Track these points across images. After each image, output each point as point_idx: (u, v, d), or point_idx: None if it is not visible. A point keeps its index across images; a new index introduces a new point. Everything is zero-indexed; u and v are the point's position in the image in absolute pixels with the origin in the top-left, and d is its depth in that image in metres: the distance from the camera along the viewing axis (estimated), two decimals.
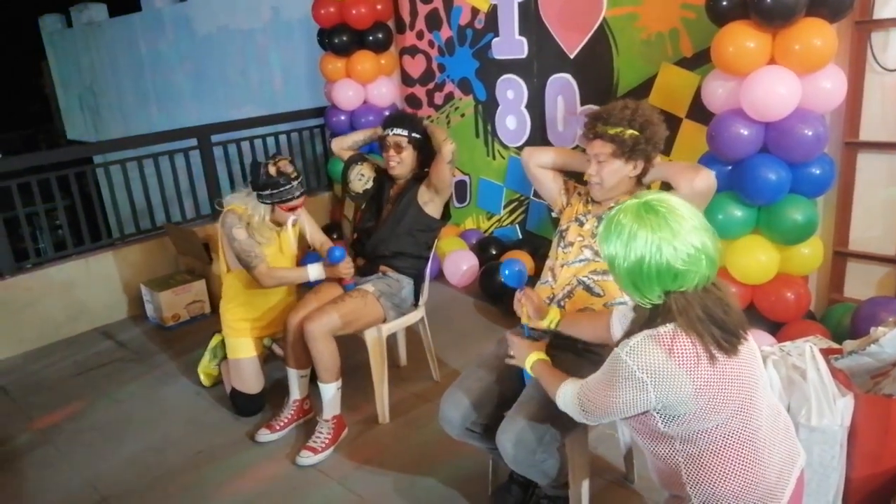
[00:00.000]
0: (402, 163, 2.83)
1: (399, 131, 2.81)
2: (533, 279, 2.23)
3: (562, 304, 2.06)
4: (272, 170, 2.67)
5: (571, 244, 2.11)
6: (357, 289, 2.76)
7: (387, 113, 3.09)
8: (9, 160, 5.00)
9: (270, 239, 2.77)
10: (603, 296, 2.02)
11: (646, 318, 1.37)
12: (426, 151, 2.87)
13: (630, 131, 1.96)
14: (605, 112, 2.01)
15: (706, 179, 1.99)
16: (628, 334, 1.39)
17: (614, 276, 1.38)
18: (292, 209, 2.76)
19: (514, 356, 1.89)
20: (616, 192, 2.06)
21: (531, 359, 1.79)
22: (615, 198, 2.07)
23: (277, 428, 2.75)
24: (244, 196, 2.75)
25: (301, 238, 2.96)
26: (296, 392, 2.79)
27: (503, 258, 2.70)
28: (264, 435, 2.73)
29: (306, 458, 2.58)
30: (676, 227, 1.28)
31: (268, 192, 2.68)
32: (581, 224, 2.13)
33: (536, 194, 4.21)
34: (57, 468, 2.69)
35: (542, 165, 2.26)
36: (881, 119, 2.83)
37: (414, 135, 2.82)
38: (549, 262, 2.18)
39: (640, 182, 2.08)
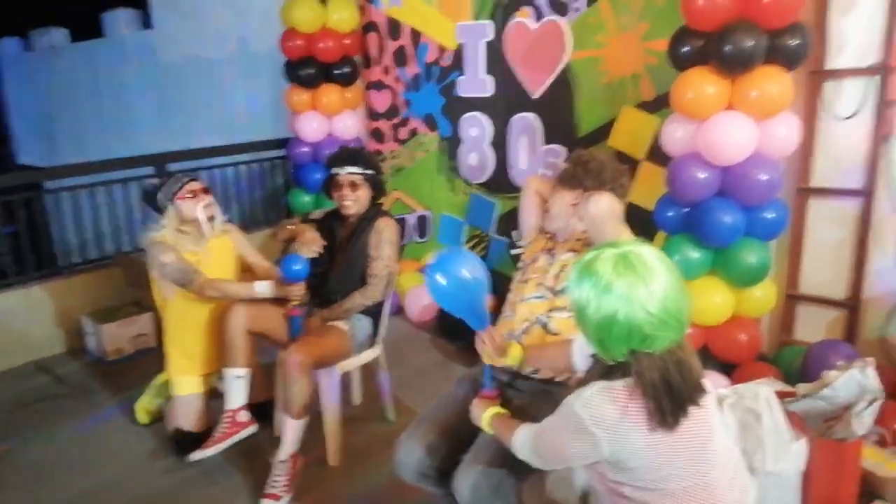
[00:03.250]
0: (357, 201, 2.76)
1: (353, 169, 2.74)
2: (493, 316, 2.19)
3: (520, 339, 2.03)
4: (154, 181, 2.73)
5: (528, 280, 2.11)
6: (333, 325, 2.67)
7: (327, 154, 2.96)
8: None
9: (197, 247, 2.69)
10: (558, 334, 2.00)
11: (603, 369, 1.33)
12: (379, 187, 2.83)
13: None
14: (595, 172, 2.07)
15: (597, 202, 1.94)
16: (583, 383, 1.35)
17: (580, 324, 1.32)
18: (192, 195, 2.69)
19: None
20: (561, 223, 2.10)
21: (487, 415, 1.75)
22: (568, 235, 2.10)
23: (210, 445, 2.54)
24: (155, 224, 2.74)
25: (238, 259, 2.88)
26: (230, 400, 2.59)
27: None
28: (197, 454, 2.54)
29: None
30: (653, 286, 1.23)
31: (160, 195, 2.68)
32: (535, 261, 2.13)
33: (497, 231, 4.20)
34: None
35: (538, 191, 2.29)
36: (832, 166, 2.91)
37: (368, 171, 2.77)
38: (509, 297, 2.17)
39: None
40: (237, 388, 2.60)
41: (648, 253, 1.29)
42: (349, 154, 2.82)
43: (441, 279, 1.80)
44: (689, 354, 1.33)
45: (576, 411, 1.29)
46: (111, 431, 3.04)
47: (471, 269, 1.81)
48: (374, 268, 2.73)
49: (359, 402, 3.19)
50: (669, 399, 1.25)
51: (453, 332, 3.80)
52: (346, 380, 2.95)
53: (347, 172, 2.74)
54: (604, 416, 1.27)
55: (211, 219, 2.73)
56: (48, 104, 9.52)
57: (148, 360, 3.61)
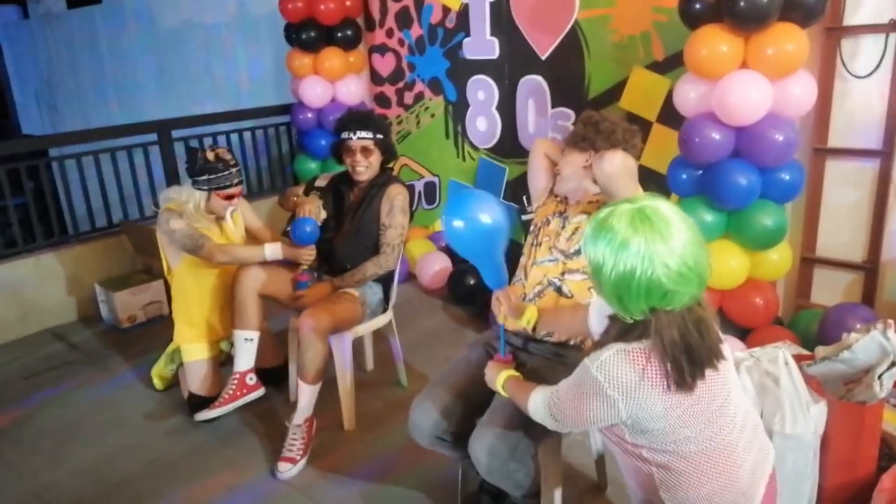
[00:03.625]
0: (370, 167, 2.72)
1: (364, 134, 2.68)
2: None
3: (533, 302, 2.03)
4: (210, 155, 2.60)
5: (540, 244, 2.10)
6: (345, 291, 2.66)
7: (338, 116, 2.93)
8: None
9: (210, 228, 2.67)
10: (571, 297, 1.99)
11: (620, 330, 1.31)
12: (390, 151, 2.79)
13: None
14: (607, 132, 2.02)
15: (611, 159, 1.91)
16: (600, 344, 1.34)
17: (597, 283, 1.30)
18: (230, 198, 2.66)
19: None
20: (573, 185, 2.07)
21: (501, 377, 1.73)
22: (580, 197, 2.08)
23: (217, 405, 2.57)
24: (179, 189, 2.67)
25: (246, 230, 2.86)
26: (239, 362, 2.61)
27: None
28: (203, 413, 2.58)
29: (286, 470, 2.44)
30: (671, 241, 1.20)
31: (205, 177, 2.59)
32: (547, 223, 2.11)
33: (506, 196, 4.17)
34: (1, 478, 2.54)
35: (547, 153, 2.25)
36: (849, 126, 2.85)
37: (379, 136, 2.72)
38: (522, 260, 2.16)
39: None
40: (246, 351, 2.62)
41: (665, 207, 1.26)
42: (359, 118, 2.75)
43: (458, 224, 1.73)
44: (708, 313, 1.31)
45: (592, 374, 1.28)
46: (127, 397, 3.08)
47: (491, 213, 1.73)
48: (387, 236, 2.71)
49: (371, 367, 3.21)
50: (687, 359, 1.24)
51: (464, 297, 3.80)
52: (358, 345, 2.96)
53: (359, 137, 2.68)
54: (621, 379, 1.25)
55: (233, 213, 2.74)
56: (48, 73, 9.41)
57: (160, 327, 3.63)
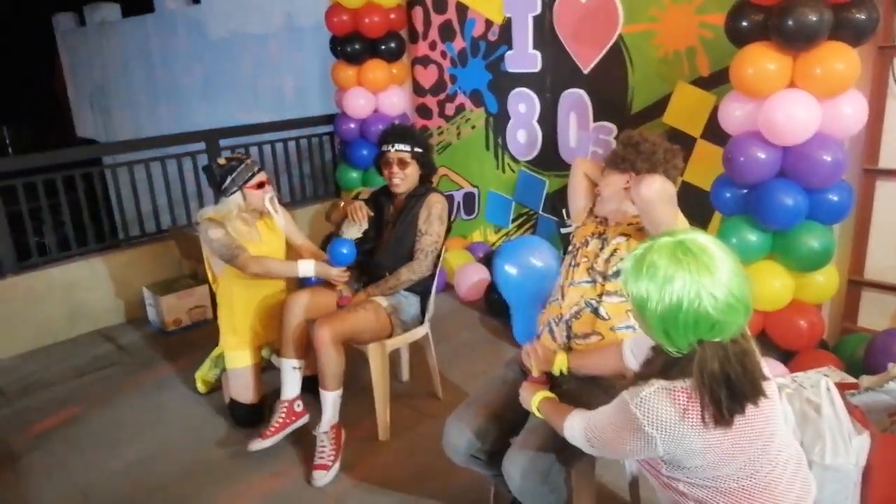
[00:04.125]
0: (405, 179, 2.77)
1: (401, 147, 2.74)
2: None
3: (569, 323, 2.02)
4: (222, 161, 2.72)
5: (578, 264, 2.09)
6: (370, 300, 2.70)
7: (381, 127, 2.99)
8: (18, 159, 4.97)
9: (251, 233, 2.74)
10: (608, 319, 1.98)
11: (663, 364, 1.29)
12: (429, 165, 2.83)
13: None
14: (647, 153, 2.01)
15: (649, 185, 1.88)
16: (641, 377, 1.32)
17: (641, 319, 1.29)
18: (260, 185, 2.73)
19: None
20: (613, 206, 2.07)
21: (536, 399, 1.75)
22: (620, 218, 2.07)
23: (268, 434, 2.64)
24: (214, 206, 2.76)
25: (286, 241, 2.92)
26: (287, 390, 2.67)
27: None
28: (256, 443, 2.64)
29: (321, 477, 2.50)
30: (717, 273, 1.20)
31: (229, 179, 2.68)
32: (586, 244, 2.10)
33: (545, 209, 4.16)
34: (50, 475, 2.65)
35: (587, 173, 2.28)
36: None
37: (417, 149, 2.76)
38: (559, 280, 2.16)
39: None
40: (293, 379, 2.68)
41: (704, 239, 1.25)
42: (398, 131, 2.82)
43: (511, 269, 1.78)
44: (752, 346, 1.30)
45: (631, 410, 1.27)
46: (171, 399, 3.17)
47: (544, 260, 1.78)
48: (422, 243, 2.74)
49: (406, 378, 3.24)
50: (727, 393, 1.22)
51: (501, 309, 3.80)
52: (394, 356, 2.99)
53: (396, 150, 2.74)
54: (660, 418, 1.24)
55: (271, 200, 2.80)
56: (103, 78, 9.76)
57: (205, 331, 3.74)
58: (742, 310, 1.22)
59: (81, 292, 3.94)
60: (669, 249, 1.23)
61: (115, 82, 9.48)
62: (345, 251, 2.64)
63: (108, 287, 4.05)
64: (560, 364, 1.88)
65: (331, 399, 2.59)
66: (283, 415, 2.66)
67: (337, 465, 2.55)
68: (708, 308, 1.19)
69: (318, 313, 2.67)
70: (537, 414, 1.75)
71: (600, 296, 2.00)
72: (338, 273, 2.68)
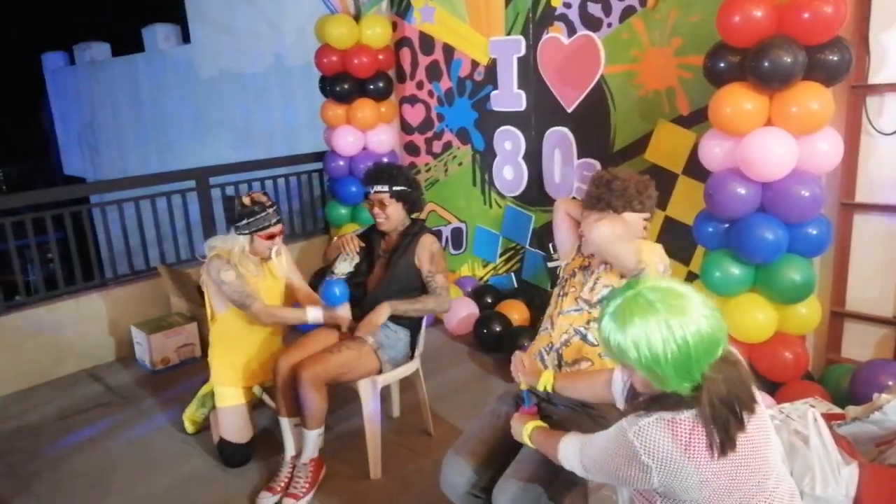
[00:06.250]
0: (388, 219, 2.82)
1: (380, 188, 2.79)
2: (529, 331, 2.22)
3: (559, 351, 2.08)
4: (246, 200, 2.71)
5: (566, 294, 2.16)
6: (355, 339, 2.72)
7: (367, 164, 3.07)
8: (6, 198, 4.96)
9: (257, 271, 2.76)
10: (597, 345, 2.03)
11: (662, 394, 1.30)
12: (412, 200, 2.87)
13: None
14: (620, 190, 2.11)
15: (597, 231, 1.95)
16: (639, 407, 1.33)
17: (652, 376, 1.26)
18: (271, 237, 2.74)
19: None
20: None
21: (527, 429, 1.76)
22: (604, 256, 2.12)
23: (278, 490, 2.61)
24: (223, 237, 2.77)
25: (286, 281, 2.93)
26: (291, 447, 2.68)
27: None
28: (266, 498, 2.59)
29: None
30: (687, 299, 1.24)
31: (244, 221, 2.68)
32: (573, 275, 2.19)
33: (532, 243, 4.22)
34: None
35: (569, 213, 2.36)
36: (876, 181, 2.87)
37: (395, 188, 2.80)
38: (548, 311, 2.22)
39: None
40: (297, 435, 2.66)
41: (660, 282, 1.29)
42: (376, 173, 2.86)
43: None
44: (739, 360, 1.33)
45: (630, 439, 1.28)
46: (160, 440, 3.13)
47: None
48: (436, 281, 2.79)
49: (397, 414, 3.23)
50: (732, 410, 1.24)
51: (492, 344, 3.83)
52: (384, 393, 2.99)
53: (375, 191, 2.80)
54: (659, 449, 1.25)
55: (277, 252, 2.83)
56: (91, 116, 9.81)
57: (193, 369, 3.73)
58: (720, 318, 1.26)
59: (69, 331, 3.90)
60: (634, 305, 1.25)
61: (103, 120, 9.54)
62: (337, 292, 2.68)
63: (96, 326, 4.02)
64: (546, 380, 1.90)
65: (311, 437, 2.61)
66: (290, 469, 2.65)
67: (308, 498, 2.56)
68: (708, 329, 1.22)
69: (318, 360, 2.65)
70: (529, 444, 1.76)
71: (588, 322, 2.06)
72: (343, 315, 2.71)
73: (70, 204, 4.32)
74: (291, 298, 2.96)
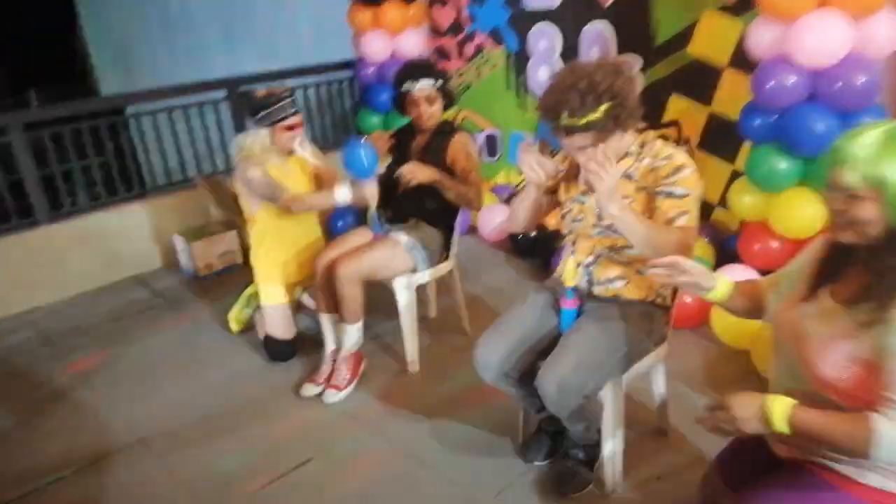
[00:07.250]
0: (434, 115, 2.77)
1: (426, 83, 2.72)
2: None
3: (590, 269, 1.99)
4: (262, 92, 2.74)
5: (580, 220, 2.00)
6: (389, 237, 2.74)
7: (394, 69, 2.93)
8: (41, 110, 5.04)
9: (283, 165, 2.79)
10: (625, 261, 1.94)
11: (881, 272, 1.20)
12: (451, 95, 2.83)
13: (603, 107, 1.75)
14: (561, 104, 1.77)
15: (605, 207, 1.74)
16: (878, 308, 1.19)
17: None
18: (290, 128, 2.75)
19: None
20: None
21: (777, 407, 1.23)
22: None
23: (321, 381, 2.73)
24: (246, 134, 2.80)
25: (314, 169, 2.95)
26: (331, 341, 2.77)
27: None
28: (308, 388, 2.72)
29: (332, 395, 2.66)
30: None
31: (261, 113, 2.71)
32: (583, 203, 1.99)
33: None
34: (94, 410, 2.77)
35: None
36: None
37: (439, 81, 2.75)
38: (568, 235, 2.08)
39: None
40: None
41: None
42: (419, 68, 2.78)
43: None
44: None
45: None
46: (207, 339, 3.27)
47: None
48: (471, 178, 2.74)
49: (434, 314, 3.30)
50: None
51: (527, 250, 3.82)
52: (421, 294, 3.04)
53: (420, 87, 2.72)
54: None
55: (301, 143, 2.83)
56: (123, 35, 9.73)
57: (236, 276, 3.83)
58: None
59: (114, 240, 4.02)
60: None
61: (135, 38, 9.46)
62: (363, 156, 2.58)
63: (140, 235, 4.13)
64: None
65: (350, 331, 2.68)
66: (332, 362, 2.74)
67: (349, 390, 2.68)
68: None
69: (368, 270, 2.67)
70: (785, 430, 1.23)
71: (611, 248, 1.95)
72: (370, 190, 2.68)
73: (107, 115, 4.36)
74: (320, 184, 2.97)
